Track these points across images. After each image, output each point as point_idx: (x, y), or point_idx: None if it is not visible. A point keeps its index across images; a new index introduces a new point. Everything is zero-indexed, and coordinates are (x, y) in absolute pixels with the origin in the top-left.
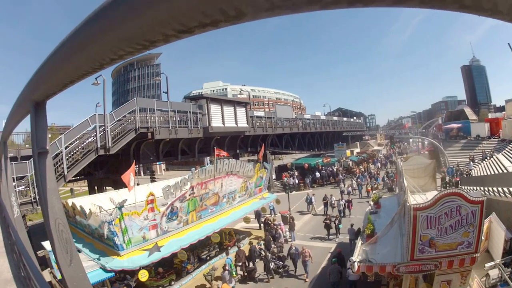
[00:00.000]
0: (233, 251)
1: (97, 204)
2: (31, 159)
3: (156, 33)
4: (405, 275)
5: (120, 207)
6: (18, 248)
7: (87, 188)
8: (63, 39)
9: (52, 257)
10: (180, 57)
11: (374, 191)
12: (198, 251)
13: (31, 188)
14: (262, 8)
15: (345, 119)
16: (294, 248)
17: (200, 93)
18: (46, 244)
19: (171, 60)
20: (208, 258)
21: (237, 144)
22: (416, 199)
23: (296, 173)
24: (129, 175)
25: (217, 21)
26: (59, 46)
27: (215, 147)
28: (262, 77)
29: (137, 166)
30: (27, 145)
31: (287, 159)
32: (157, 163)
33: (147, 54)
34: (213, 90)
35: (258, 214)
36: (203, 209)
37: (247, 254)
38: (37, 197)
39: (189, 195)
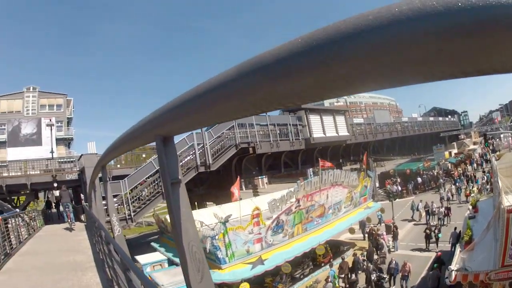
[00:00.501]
0: (336, 263)
1: (198, 219)
2: (124, 179)
3: (288, 100)
4: (495, 282)
5: (224, 222)
6: (124, 263)
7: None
8: (201, 90)
9: (146, 270)
10: None
11: (472, 195)
12: (292, 270)
13: (125, 205)
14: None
15: (440, 118)
16: (394, 262)
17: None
18: (139, 259)
19: None
20: (301, 276)
21: (339, 153)
22: (510, 200)
23: (398, 180)
24: (237, 191)
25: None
26: (199, 93)
27: (319, 158)
28: None
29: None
30: (118, 165)
31: (389, 166)
32: (259, 177)
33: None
34: None
35: (363, 224)
36: (308, 221)
37: (350, 265)
38: (131, 214)
39: (295, 207)
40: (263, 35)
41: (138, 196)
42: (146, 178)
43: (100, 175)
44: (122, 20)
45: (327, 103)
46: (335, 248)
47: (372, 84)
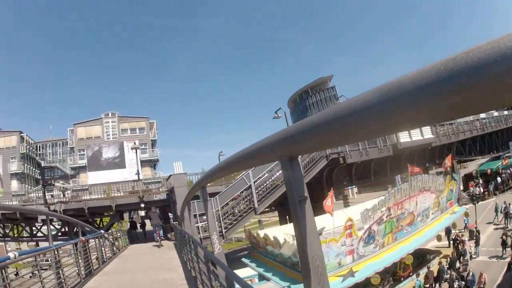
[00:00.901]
0: (423, 272)
1: (290, 233)
2: (216, 196)
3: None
4: None
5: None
6: (230, 279)
7: (275, 218)
8: (338, 112)
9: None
10: (352, 74)
11: None
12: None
13: (216, 223)
14: None
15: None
16: (471, 274)
17: None
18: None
19: (343, 79)
20: None
21: (425, 157)
22: None
23: (480, 181)
24: (331, 203)
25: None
26: (336, 116)
27: (407, 164)
28: None
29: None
30: (208, 184)
31: (472, 166)
32: (349, 187)
33: (319, 78)
34: None
35: (448, 231)
36: (398, 230)
37: (435, 274)
38: (223, 231)
39: (386, 216)
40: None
41: (230, 213)
42: (239, 193)
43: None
44: (202, 42)
45: None
46: (421, 256)
47: None
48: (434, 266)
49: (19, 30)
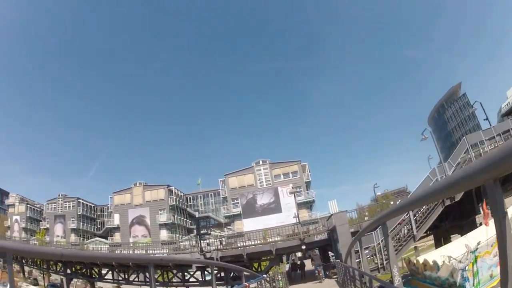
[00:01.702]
0: None
1: (446, 254)
2: (376, 229)
3: None
4: None
5: (473, 251)
6: None
7: (430, 242)
8: None
9: None
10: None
11: None
12: None
13: (377, 255)
14: None
15: None
16: None
17: (509, 104)
18: None
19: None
20: None
21: None
22: None
23: None
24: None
25: None
26: None
27: None
28: None
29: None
30: (366, 218)
31: None
32: None
33: (450, 89)
34: None
35: None
36: None
37: None
38: (384, 262)
39: None
40: None
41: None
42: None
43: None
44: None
45: None
46: None
47: None
48: None
49: (170, 96)
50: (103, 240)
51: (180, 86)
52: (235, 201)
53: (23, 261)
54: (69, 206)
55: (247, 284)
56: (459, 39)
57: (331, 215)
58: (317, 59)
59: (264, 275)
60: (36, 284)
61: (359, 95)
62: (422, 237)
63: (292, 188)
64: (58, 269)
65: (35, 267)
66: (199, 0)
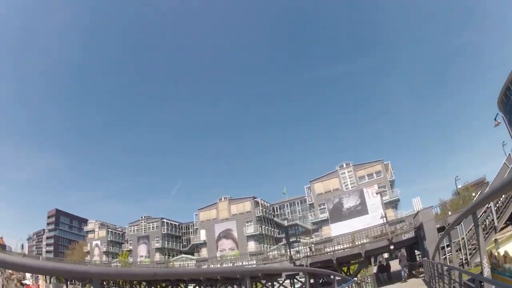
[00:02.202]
0: None
1: None
2: (461, 223)
3: None
4: None
5: None
6: None
7: (508, 233)
8: None
9: None
10: None
11: None
12: None
13: (462, 251)
14: None
15: None
16: None
17: None
18: None
19: None
20: None
21: None
22: None
23: None
24: None
25: None
26: None
27: None
28: None
29: None
30: (449, 213)
31: None
32: None
33: None
34: None
35: None
36: None
37: None
38: (468, 258)
39: None
40: None
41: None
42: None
43: None
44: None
45: None
46: None
47: None
48: None
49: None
50: (189, 256)
51: (259, 92)
52: (322, 207)
53: (104, 283)
54: (152, 227)
55: None
56: None
57: (417, 212)
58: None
59: (355, 278)
60: None
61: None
62: (501, 228)
63: (376, 188)
64: None
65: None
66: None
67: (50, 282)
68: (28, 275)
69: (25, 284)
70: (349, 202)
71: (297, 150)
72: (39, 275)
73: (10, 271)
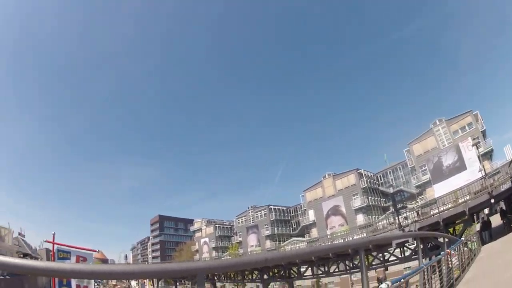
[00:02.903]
0: None
1: None
2: None
3: None
4: None
5: None
6: None
7: None
8: None
9: None
10: None
11: None
12: None
13: None
14: None
15: None
16: None
17: None
18: None
19: None
20: None
21: None
22: None
23: None
24: None
25: None
26: None
27: None
28: None
29: None
30: None
31: None
32: None
33: None
34: None
35: None
36: None
37: None
38: None
39: None
40: None
41: None
42: None
43: None
44: None
45: None
46: None
47: None
48: None
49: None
50: (299, 238)
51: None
52: (423, 168)
53: (214, 278)
54: (260, 215)
55: (449, 251)
56: None
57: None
58: None
59: (462, 238)
60: None
61: None
62: None
63: (473, 140)
64: (254, 278)
65: (228, 281)
66: None
67: (158, 286)
68: (133, 282)
69: None
70: (448, 160)
71: (391, 115)
72: (145, 281)
73: (114, 281)
